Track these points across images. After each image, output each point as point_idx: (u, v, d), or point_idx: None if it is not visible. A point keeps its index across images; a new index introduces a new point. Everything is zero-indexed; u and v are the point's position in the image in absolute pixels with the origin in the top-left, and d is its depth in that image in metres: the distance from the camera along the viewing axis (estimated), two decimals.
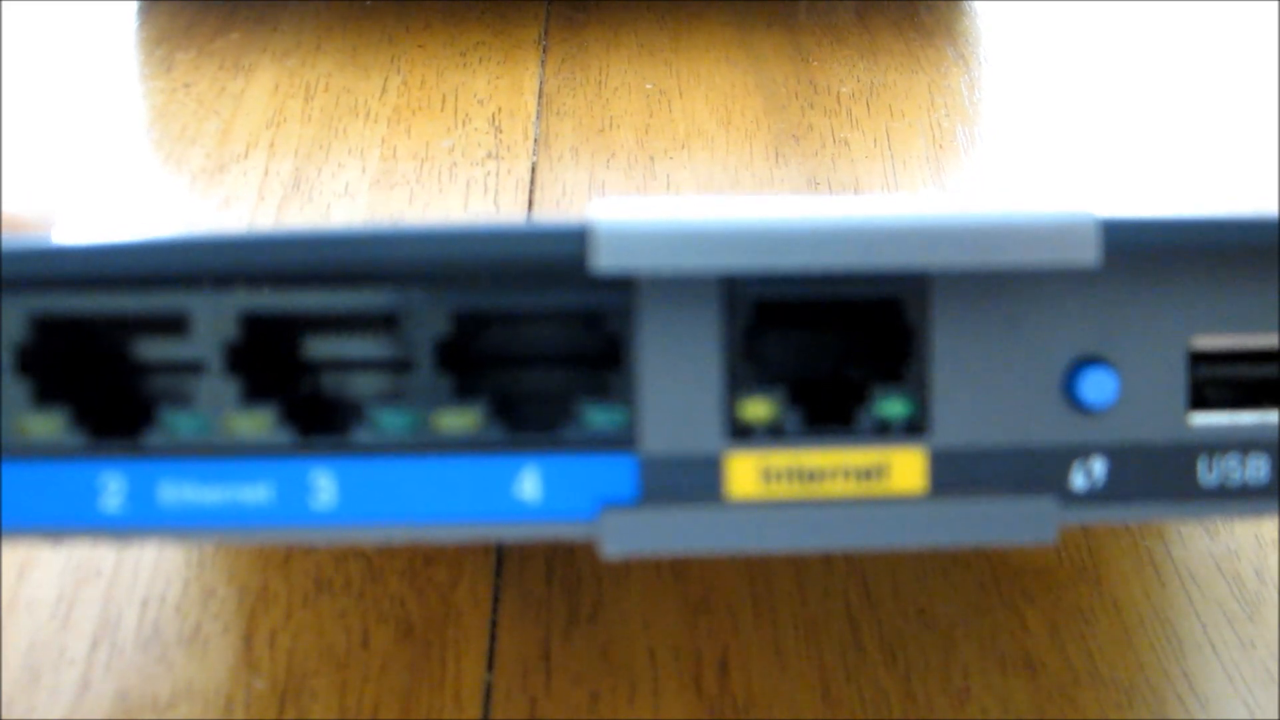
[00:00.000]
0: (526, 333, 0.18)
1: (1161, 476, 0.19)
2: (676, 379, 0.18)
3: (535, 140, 0.38)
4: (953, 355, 0.18)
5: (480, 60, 0.43)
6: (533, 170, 0.37)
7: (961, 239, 0.17)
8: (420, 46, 0.43)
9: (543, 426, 0.18)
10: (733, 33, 0.45)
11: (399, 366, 0.18)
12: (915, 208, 0.17)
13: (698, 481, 0.18)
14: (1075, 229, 0.17)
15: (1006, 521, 0.18)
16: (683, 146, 0.38)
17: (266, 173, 0.37)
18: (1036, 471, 0.18)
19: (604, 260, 0.17)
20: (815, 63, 0.43)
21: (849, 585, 0.25)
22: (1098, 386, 0.18)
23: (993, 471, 0.18)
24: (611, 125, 0.39)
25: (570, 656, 0.24)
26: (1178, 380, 0.18)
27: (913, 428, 0.18)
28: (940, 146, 0.38)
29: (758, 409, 0.18)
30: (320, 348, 0.18)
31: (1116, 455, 0.18)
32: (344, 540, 0.17)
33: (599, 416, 0.18)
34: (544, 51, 0.43)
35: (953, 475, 0.18)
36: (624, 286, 0.18)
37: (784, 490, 0.18)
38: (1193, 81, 0.43)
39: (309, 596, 0.25)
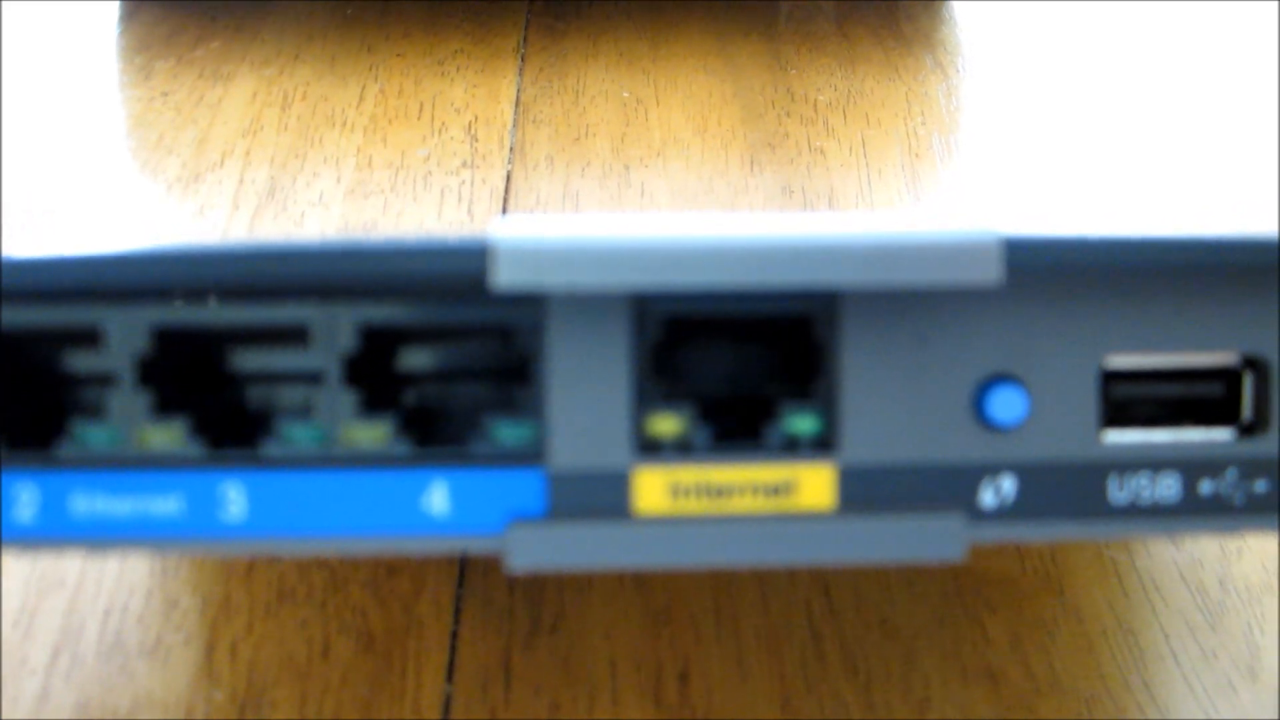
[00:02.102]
0: (436, 348, 0.18)
1: (1072, 495, 0.19)
2: (585, 394, 0.18)
3: (511, 149, 0.38)
4: (862, 372, 0.18)
5: (458, 69, 0.43)
6: (507, 179, 0.37)
7: (864, 258, 0.17)
8: (399, 55, 0.43)
9: (452, 441, 0.18)
10: (712, 41, 0.45)
11: (309, 380, 0.18)
12: (821, 227, 0.17)
13: (606, 497, 0.18)
14: (977, 248, 0.17)
15: (914, 539, 0.18)
16: (658, 155, 0.38)
17: (242, 181, 0.37)
18: (945, 489, 0.18)
19: (504, 277, 0.17)
20: (794, 71, 0.43)
21: (812, 596, 0.25)
22: (1007, 405, 0.18)
23: (902, 488, 0.18)
24: (588, 134, 0.39)
25: (531, 667, 0.24)
26: (1089, 399, 0.18)
27: (822, 444, 0.18)
28: (916, 155, 0.38)
29: (666, 425, 0.18)
30: (232, 362, 0.18)
31: (1026, 473, 0.18)
32: (253, 552, 0.18)
33: (508, 431, 0.18)
34: (522, 60, 0.43)
35: (862, 492, 0.18)
36: (533, 302, 0.18)
37: (692, 506, 0.18)
38: (1173, 90, 0.43)
39: (271, 606, 0.25)
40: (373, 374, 0.18)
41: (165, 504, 0.18)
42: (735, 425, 0.18)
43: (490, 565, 0.26)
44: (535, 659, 0.24)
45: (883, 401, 0.18)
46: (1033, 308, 0.18)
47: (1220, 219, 0.37)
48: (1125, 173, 0.39)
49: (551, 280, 0.17)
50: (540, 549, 0.18)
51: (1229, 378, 0.19)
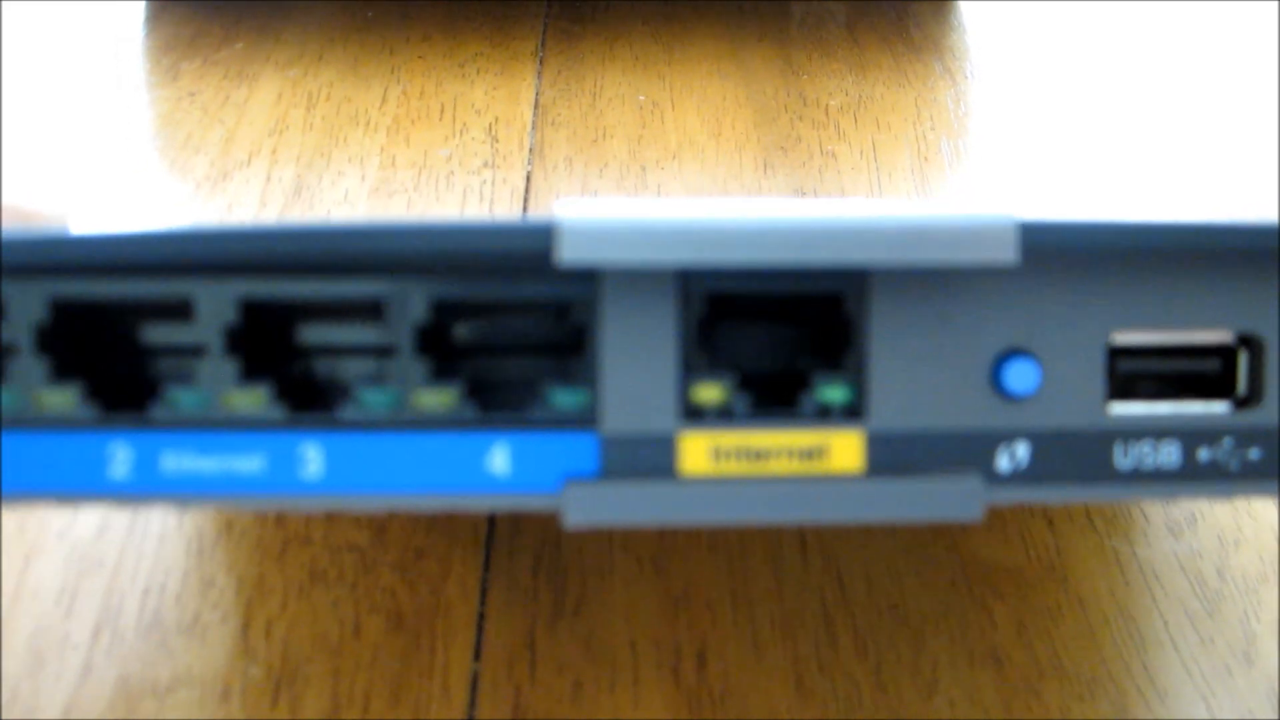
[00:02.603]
0: (500, 321, 0.20)
1: (1081, 460, 0.20)
2: (635, 364, 0.19)
3: (530, 150, 0.39)
4: (889, 346, 0.19)
5: (478, 71, 0.44)
6: (527, 179, 0.38)
7: (892, 239, 0.18)
8: (420, 57, 0.44)
9: (513, 407, 0.19)
10: (725, 46, 0.46)
11: (383, 351, 0.19)
12: (854, 211, 0.19)
13: (653, 458, 0.19)
14: (996, 230, 0.19)
15: (937, 499, 0.19)
16: (674, 157, 0.39)
17: (269, 180, 0.38)
18: (965, 454, 0.20)
19: (567, 254, 0.18)
20: (805, 76, 0.44)
21: (825, 582, 0.26)
22: (1021, 376, 0.19)
23: (925, 453, 0.20)
24: (605, 136, 0.40)
25: (554, 647, 0.25)
26: (1097, 372, 0.20)
27: (851, 412, 0.20)
28: (925, 159, 0.39)
29: (709, 393, 0.19)
30: (312, 332, 0.20)
31: (1039, 440, 0.20)
32: (329, 508, 0.19)
33: (564, 398, 0.19)
34: (540, 63, 0.44)
35: (888, 456, 0.20)
36: (589, 279, 0.19)
37: (732, 468, 0.19)
38: (1180, 94, 0.44)
39: (304, 587, 0.26)
40: (441, 344, 0.19)
41: (249, 463, 0.19)
42: (772, 394, 0.19)
43: (515, 549, 0.27)
44: (559, 639, 0.25)
45: (907, 373, 0.19)
46: (1046, 287, 0.19)
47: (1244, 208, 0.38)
48: (1131, 175, 0.39)
49: (609, 256, 0.18)
50: (594, 507, 0.19)
51: (1226, 354, 0.20)
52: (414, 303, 0.19)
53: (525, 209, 0.37)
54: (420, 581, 0.26)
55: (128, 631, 0.25)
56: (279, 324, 0.19)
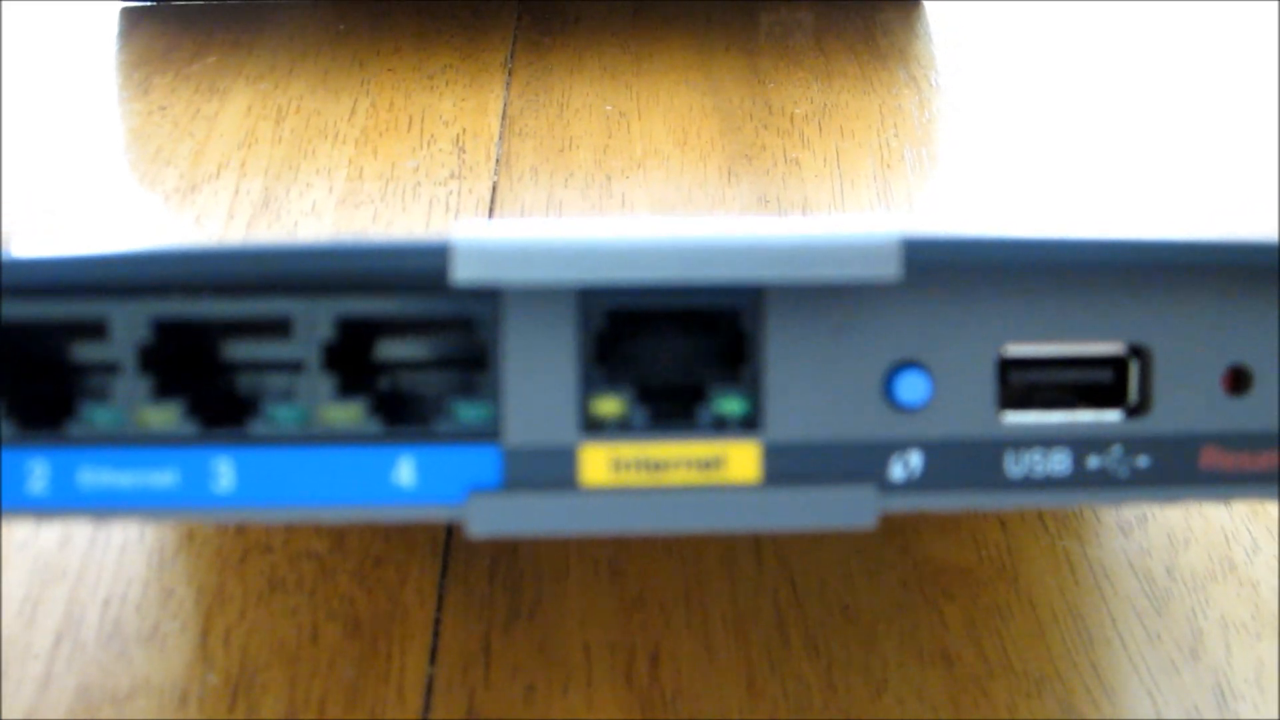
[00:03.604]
0: (405, 337, 0.20)
1: (973, 469, 0.20)
2: (536, 379, 0.20)
3: (497, 160, 0.40)
4: (784, 359, 0.20)
5: (447, 83, 0.44)
6: (493, 190, 0.39)
7: (778, 257, 0.19)
8: (390, 70, 0.45)
9: (418, 421, 0.20)
10: (693, 56, 0.46)
11: (292, 367, 0.20)
12: (744, 230, 0.19)
13: (555, 470, 0.20)
14: (879, 248, 0.19)
15: (831, 508, 0.20)
16: (639, 166, 0.40)
17: (237, 192, 0.38)
18: (859, 464, 0.20)
19: (461, 274, 0.19)
20: (771, 84, 0.44)
21: (778, 583, 0.26)
22: (912, 388, 0.20)
23: (820, 463, 0.20)
24: (571, 146, 0.41)
25: (509, 650, 0.25)
26: (988, 383, 0.20)
27: (748, 423, 0.20)
28: (888, 166, 0.40)
29: (608, 406, 0.20)
30: (224, 350, 0.20)
31: (931, 449, 0.20)
32: (241, 520, 0.19)
33: (467, 412, 0.20)
34: (509, 74, 0.45)
35: (784, 466, 0.20)
36: (490, 296, 0.20)
37: (632, 478, 0.20)
38: (1144, 102, 0.44)
39: (263, 595, 0.26)
40: (348, 361, 0.20)
41: (163, 477, 0.19)
42: (671, 406, 0.20)
43: (472, 556, 0.27)
44: (513, 643, 0.25)
45: (803, 385, 0.20)
46: (937, 302, 0.20)
47: (1186, 220, 0.38)
48: (1093, 181, 0.40)
49: (504, 276, 0.19)
50: (496, 517, 0.20)
51: (1118, 365, 0.21)
52: (320, 321, 0.19)
53: (491, 219, 0.37)
54: (378, 588, 0.26)
55: (88, 641, 0.25)
56: (192, 343, 0.20)
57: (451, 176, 0.39)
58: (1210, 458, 0.20)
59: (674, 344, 0.20)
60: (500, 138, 0.41)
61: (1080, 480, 0.20)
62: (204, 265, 0.19)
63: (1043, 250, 0.20)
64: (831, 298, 0.20)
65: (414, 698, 0.24)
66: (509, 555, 0.27)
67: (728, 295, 0.20)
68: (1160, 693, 0.24)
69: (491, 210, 0.38)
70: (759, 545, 0.27)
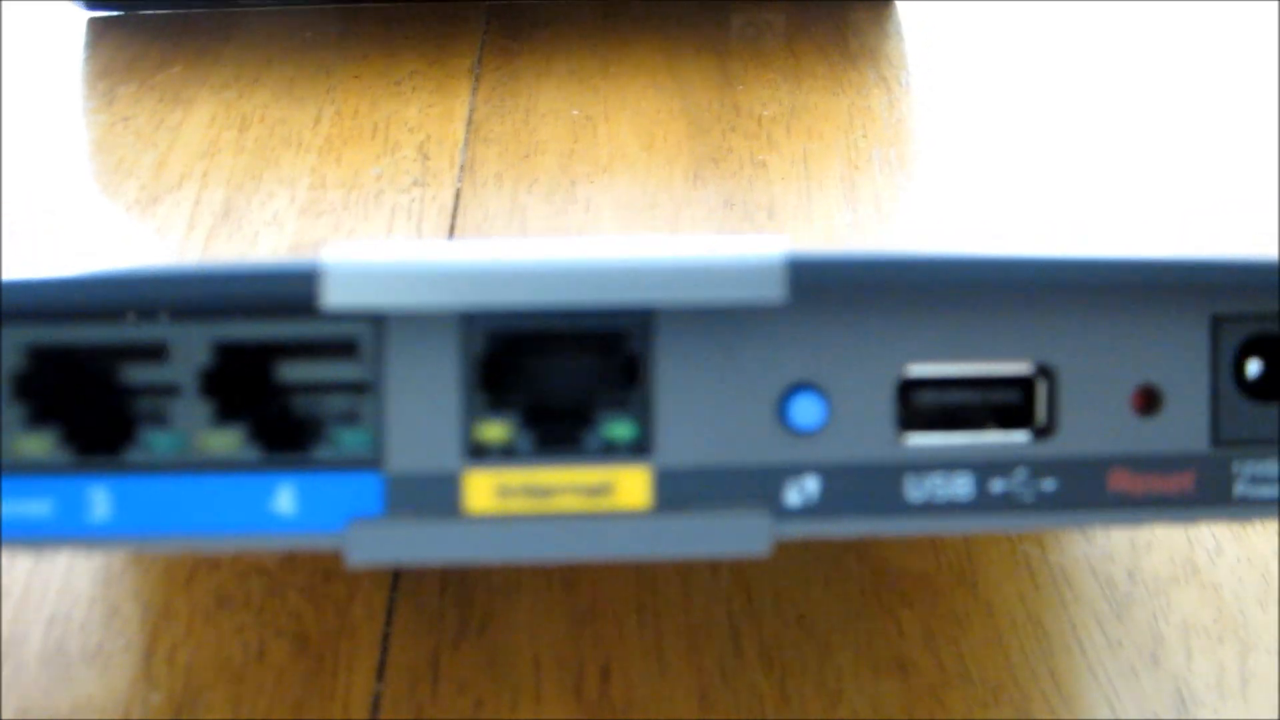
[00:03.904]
0: (282, 362, 0.19)
1: (871, 494, 0.20)
2: (418, 404, 0.19)
3: (461, 167, 0.39)
4: (675, 382, 0.19)
5: (414, 89, 0.44)
6: (457, 196, 0.38)
7: (658, 279, 0.18)
8: (356, 77, 0.44)
9: (299, 447, 0.19)
10: (662, 59, 0.46)
11: (169, 392, 0.19)
12: (627, 251, 0.19)
13: (438, 497, 0.19)
14: (762, 269, 0.19)
15: (723, 535, 0.19)
16: (605, 171, 0.39)
17: (198, 203, 0.38)
18: (753, 489, 0.20)
19: (331, 299, 0.18)
20: (740, 87, 0.44)
21: (733, 593, 0.26)
22: (806, 411, 0.19)
23: (713, 489, 0.20)
24: (536, 151, 0.40)
25: (458, 666, 0.25)
26: (887, 405, 0.20)
27: (638, 448, 0.20)
28: (856, 167, 0.39)
29: (493, 431, 0.19)
30: (101, 376, 0.20)
31: (828, 474, 0.20)
32: (119, 549, 0.19)
33: (349, 438, 0.19)
34: (476, 80, 0.44)
35: (676, 492, 0.20)
36: (372, 320, 0.19)
37: (518, 505, 0.19)
38: (1115, 105, 0.44)
39: (210, 613, 0.26)
40: (229, 387, 0.19)
41: (38, 506, 0.19)
42: (558, 431, 0.20)
43: (423, 570, 0.26)
44: (462, 658, 0.25)
45: (694, 409, 0.19)
46: (832, 322, 0.19)
47: (1157, 222, 0.38)
48: (1064, 183, 0.39)
49: (375, 301, 0.18)
50: (377, 546, 0.19)
51: (1025, 385, 0.20)
52: (196, 346, 0.19)
53: (453, 226, 0.37)
54: (327, 604, 0.26)
55: (30, 661, 0.25)
56: (70, 369, 0.19)
57: (415, 184, 0.39)
58: (1119, 480, 0.20)
59: (562, 367, 0.19)
60: (465, 144, 0.41)
61: (984, 505, 0.20)
62: (77, 292, 0.18)
63: (935, 270, 0.19)
64: (723, 319, 0.19)
65: (360, 715, 0.24)
66: (461, 569, 0.26)
67: (615, 317, 0.19)
68: (1119, 699, 0.24)
69: (455, 218, 0.37)
70: None
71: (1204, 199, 0.39)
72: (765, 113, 0.42)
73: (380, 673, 0.24)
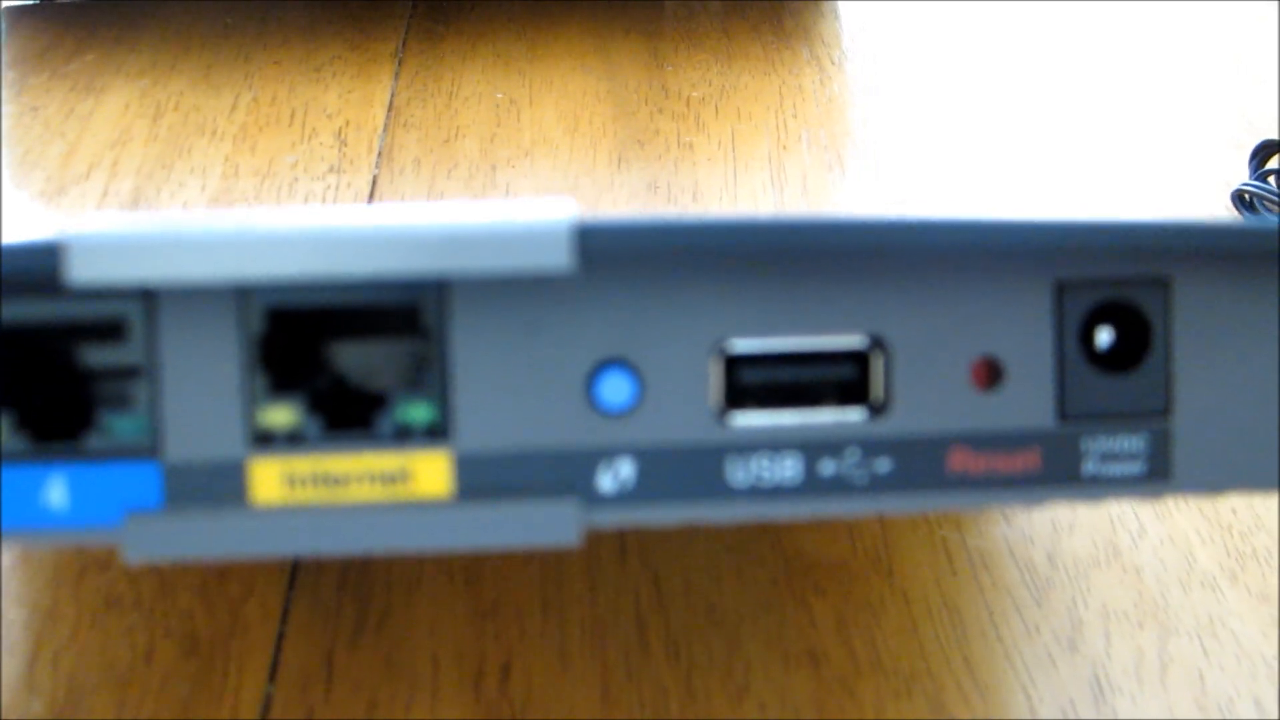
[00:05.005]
0: (48, 344, 0.18)
1: (691, 477, 0.19)
2: (197, 388, 0.18)
3: (379, 153, 0.38)
4: (475, 360, 0.18)
5: (334, 75, 0.43)
6: (373, 183, 0.37)
7: (438, 247, 0.17)
8: (275, 63, 0.43)
9: (69, 436, 0.18)
10: (591, 41, 0.45)
11: None
12: (409, 218, 0.17)
13: (221, 488, 0.18)
14: (546, 235, 0.17)
15: (529, 524, 0.18)
16: (526, 155, 0.38)
17: (106, 193, 0.37)
18: (563, 474, 0.18)
19: (77, 273, 0.17)
20: (670, 68, 0.43)
21: (640, 584, 0.25)
22: (616, 389, 0.18)
23: (519, 475, 0.18)
24: (457, 135, 0.39)
25: (353, 665, 0.24)
26: (705, 382, 0.19)
27: (435, 432, 0.18)
28: (784, 147, 0.39)
29: (278, 416, 0.18)
30: None
31: (644, 457, 0.19)
32: None
33: (123, 426, 0.18)
34: (399, 64, 0.43)
35: (478, 479, 0.18)
36: (142, 297, 0.18)
37: (308, 495, 0.18)
38: (1044, 91, 0.43)
39: (98, 615, 0.25)
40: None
41: None
42: (350, 415, 0.18)
43: (322, 566, 0.26)
44: (358, 657, 0.24)
45: (497, 389, 0.18)
46: (640, 294, 0.18)
47: (1089, 202, 0.37)
48: (995, 162, 0.39)
49: (124, 274, 0.17)
50: (156, 541, 0.18)
51: (859, 360, 0.19)
52: None
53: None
54: (220, 603, 0.25)
55: None
56: None
57: (330, 170, 0.38)
58: (959, 459, 0.18)
59: (351, 346, 0.18)
60: (385, 129, 0.40)
61: (812, 488, 0.19)
62: None
63: (741, 234, 0.18)
64: (524, 292, 0.18)
65: (249, 717, 0.23)
66: (360, 564, 0.26)
67: (405, 290, 0.18)
68: (1035, 688, 0.23)
69: (370, 204, 0.36)
70: (623, 543, 0.26)
71: (1143, 180, 0.38)
72: (694, 93, 0.41)
73: (272, 673, 0.23)
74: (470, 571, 0.25)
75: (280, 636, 0.24)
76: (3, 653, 0.24)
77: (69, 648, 0.24)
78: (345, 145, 0.39)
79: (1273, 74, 0.42)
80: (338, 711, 0.23)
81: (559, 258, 0.17)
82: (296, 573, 0.25)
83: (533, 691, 0.23)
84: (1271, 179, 0.36)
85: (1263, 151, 0.37)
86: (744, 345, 0.19)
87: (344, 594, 0.25)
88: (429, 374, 0.18)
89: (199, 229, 0.17)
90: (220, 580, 0.25)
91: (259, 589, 0.25)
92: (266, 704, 0.23)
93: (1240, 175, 0.37)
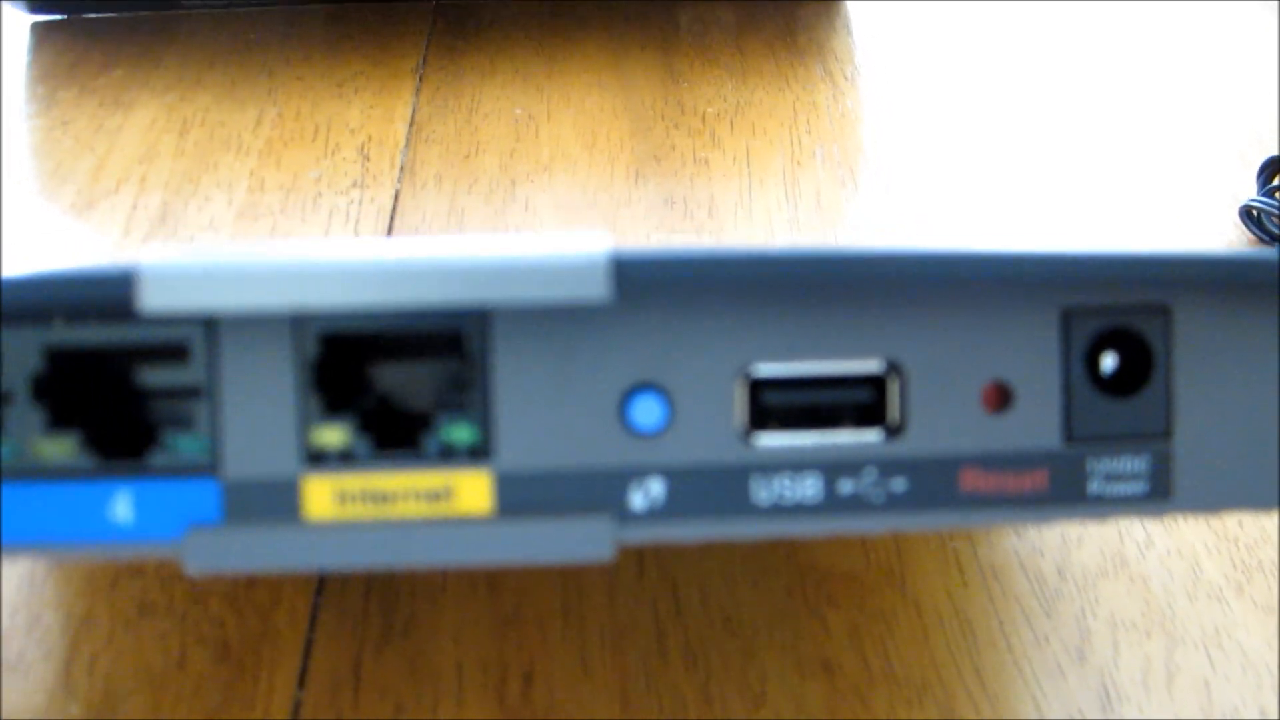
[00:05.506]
0: (115, 367, 0.19)
1: (718, 496, 0.20)
2: (254, 409, 0.19)
3: (401, 168, 0.39)
4: (514, 384, 0.19)
5: (356, 91, 0.43)
6: (395, 198, 0.38)
7: (483, 279, 0.18)
8: (299, 79, 0.44)
9: (133, 454, 0.19)
10: (608, 57, 0.45)
11: (1, 400, 0.19)
12: (455, 250, 0.18)
13: (276, 503, 0.19)
14: (586, 267, 0.18)
15: (566, 540, 0.19)
16: (545, 170, 0.39)
17: (135, 207, 0.38)
18: (596, 493, 0.19)
19: (150, 301, 0.18)
20: (685, 84, 0.44)
21: (659, 594, 0.26)
22: (647, 411, 0.19)
23: (555, 493, 0.19)
24: (478, 151, 0.40)
25: (380, 671, 0.24)
26: (732, 404, 0.20)
27: (477, 452, 0.19)
28: (798, 163, 0.39)
29: (330, 435, 0.19)
30: None
31: (673, 476, 0.20)
32: None
33: (185, 444, 0.19)
34: (420, 80, 0.44)
35: (517, 497, 0.19)
36: (204, 324, 0.19)
37: (358, 511, 0.19)
38: (1060, 104, 0.44)
39: (131, 620, 0.25)
40: (58, 392, 0.19)
41: None
42: (397, 435, 0.19)
43: (349, 574, 0.26)
44: (385, 663, 0.24)
45: (535, 411, 0.19)
46: (671, 321, 0.19)
47: (1097, 223, 0.38)
48: (1007, 178, 0.39)
49: (193, 303, 0.18)
50: (215, 554, 0.19)
51: (877, 383, 0.20)
52: (28, 352, 0.19)
53: (391, 227, 0.37)
54: (250, 610, 0.26)
55: None
56: None
57: (354, 185, 0.38)
58: (970, 479, 0.19)
59: (399, 369, 0.19)
60: (406, 144, 0.40)
61: (832, 506, 0.19)
62: None
63: (768, 267, 0.19)
64: (561, 319, 0.19)
65: None
66: (386, 571, 0.26)
67: (449, 318, 0.19)
68: (1044, 696, 0.24)
69: (393, 220, 0.37)
70: (643, 555, 0.27)
71: (1152, 195, 0.39)
72: (710, 109, 0.42)
73: (302, 679, 0.24)
74: (493, 580, 0.26)
75: (309, 643, 0.25)
76: (41, 657, 0.25)
77: (104, 652, 0.25)
78: (368, 160, 0.39)
79: None
80: (365, 715, 0.24)
81: (598, 288, 0.18)
82: (324, 581, 0.26)
83: (554, 697, 0.24)
84: (1279, 195, 0.36)
85: (1270, 167, 0.37)
86: (768, 369, 0.19)
87: (370, 602, 0.26)
88: (471, 397, 0.19)
89: (260, 261, 0.18)
90: (250, 588, 0.26)
91: (287, 597, 0.26)
92: (296, 708, 0.24)
93: (1248, 191, 0.38)
